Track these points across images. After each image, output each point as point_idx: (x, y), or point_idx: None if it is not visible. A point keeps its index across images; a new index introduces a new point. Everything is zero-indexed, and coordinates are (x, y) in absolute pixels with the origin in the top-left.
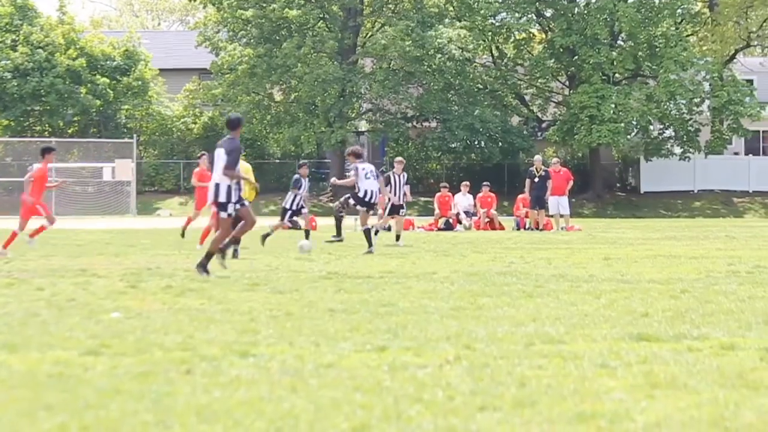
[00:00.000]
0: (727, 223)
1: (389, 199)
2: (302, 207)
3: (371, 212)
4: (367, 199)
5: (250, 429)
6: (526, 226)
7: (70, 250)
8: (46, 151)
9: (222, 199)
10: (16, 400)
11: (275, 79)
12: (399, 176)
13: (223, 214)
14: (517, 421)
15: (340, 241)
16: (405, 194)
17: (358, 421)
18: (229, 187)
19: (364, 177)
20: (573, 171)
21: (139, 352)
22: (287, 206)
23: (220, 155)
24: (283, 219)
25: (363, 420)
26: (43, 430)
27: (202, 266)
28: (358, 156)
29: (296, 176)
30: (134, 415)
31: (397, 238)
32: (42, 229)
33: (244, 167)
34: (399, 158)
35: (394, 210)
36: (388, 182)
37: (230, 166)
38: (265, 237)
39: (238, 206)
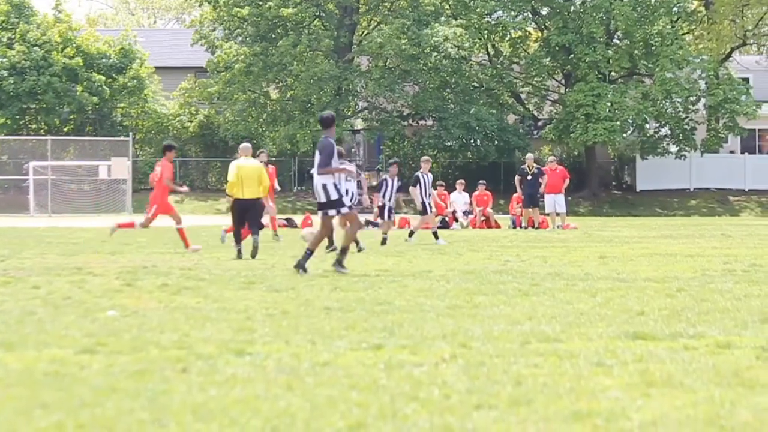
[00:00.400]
0: (723, 222)
1: (422, 199)
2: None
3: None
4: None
5: (246, 427)
6: (522, 225)
7: (65, 248)
8: (167, 149)
9: (334, 196)
10: (13, 399)
11: (271, 77)
12: (426, 175)
13: (344, 209)
14: (513, 420)
15: (334, 249)
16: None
17: (354, 419)
18: (335, 184)
19: (345, 179)
20: (569, 169)
21: (134, 351)
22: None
23: (317, 155)
24: (385, 217)
25: (359, 418)
26: (40, 429)
27: (339, 263)
28: (339, 155)
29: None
30: (130, 413)
31: (410, 234)
32: (130, 225)
33: (253, 167)
34: (426, 157)
35: (424, 208)
36: (417, 182)
37: (323, 165)
38: (384, 241)
39: (348, 206)
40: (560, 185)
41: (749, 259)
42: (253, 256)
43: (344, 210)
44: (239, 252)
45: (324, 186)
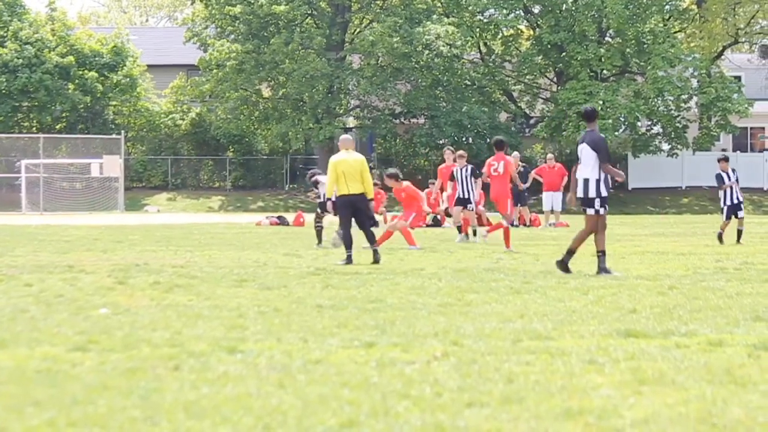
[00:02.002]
0: (714, 220)
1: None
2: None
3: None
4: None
5: (238, 425)
6: (513, 223)
7: (58, 246)
8: (499, 145)
9: (591, 194)
10: (4, 396)
11: (263, 75)
12: (462, 170)
13: (590, 211)
14: (505, 417)
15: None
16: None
17: (345, 417)
18: (598, 182)
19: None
20: (563, 167)
21: (127, 348)
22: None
23: (584, 150)
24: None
25: (351, 416)
26: (31, 426)
27: (603, 269)
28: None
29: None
30: (122, 410)
31: (474, 233)
32: (497, 227)
33: (355, 161)
34: (461, 152)
35: (462, 203)
36: (452, 177)
37: (605, 161)
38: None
39: (606, 205)
40: (559, 183)
41: (741, 257)
42: (374, 250)
43: (590, 211)
44: (349, 257)
45: (586, 181)
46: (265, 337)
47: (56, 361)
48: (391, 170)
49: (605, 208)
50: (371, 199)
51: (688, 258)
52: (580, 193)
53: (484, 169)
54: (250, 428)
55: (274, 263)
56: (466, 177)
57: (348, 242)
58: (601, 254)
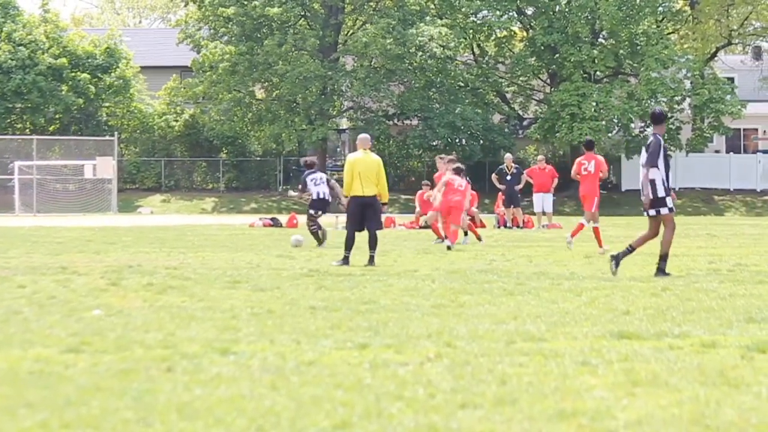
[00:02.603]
0: (707, 221)
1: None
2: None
3: (321, 213)
4: (321, 197)
5: (231, 426)
6: (507, 224)
7: (51, 247)
8: (589, 145)
9: (660, 193)
10: None
11: (256, 76)
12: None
13: (664, 210)
14: (498, 419)
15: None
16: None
17: (339, 418)
18: (663, 180)
19: (314, 185)
20: (555, 169)
21: (119, 350)
22: None
23: (643, 153)
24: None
25: (344, 417)
26: (25, 428)
27: (662, 271)
28: (310, 166)
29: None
30: (115, 412)
31: (465, 234)
32: (580, 227)
33: (372, 161)
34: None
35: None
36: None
37: (649, 164)
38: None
39: (669, 207)
40: (549, 184)
41: (734, 258)
42: (371, 255)
43: (664, 211)
44: (346, 259)
45: (653, 181)
46: (258, 339)
47: (49, 363)
48: (450, 157)
49: (658, 211)
50: (385, 203)
51: (682, 259)
52: (649, 195)
53: (574, 168)
54: (243, 430)
55: (267, 265)
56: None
57: (349, 243)
58: (664, 257)
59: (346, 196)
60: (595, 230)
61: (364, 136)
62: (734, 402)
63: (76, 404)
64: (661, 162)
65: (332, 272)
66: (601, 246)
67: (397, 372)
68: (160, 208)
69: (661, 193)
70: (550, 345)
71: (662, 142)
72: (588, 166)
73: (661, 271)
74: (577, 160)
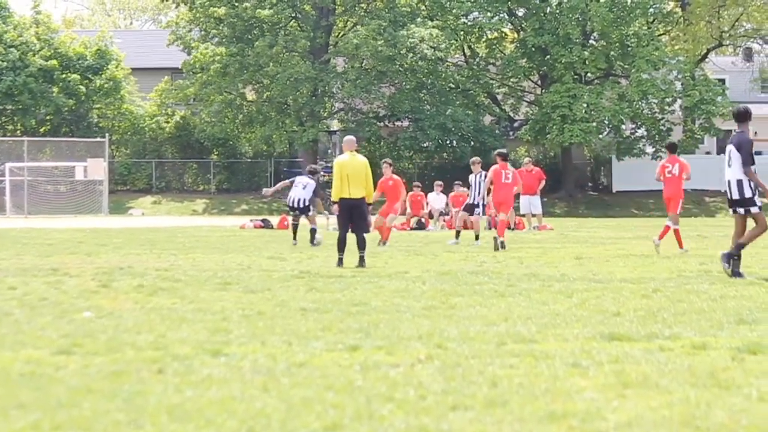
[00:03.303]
0: (698, 223)
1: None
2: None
3: (309, 214)
4: (292, 204)
5: (222, 428)
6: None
7: (42, 249)
8: (673, 147)
9: (747, 194)
10: None
11: (247, 78)
12: (477, 176)
13: (755, 209)
14: (489, 421)
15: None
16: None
17: (330, 420)
18: (749, 180)
19: (294, 187)
20: (545, 170)
21: (110, 352)
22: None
23: (731, 152)
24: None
25: (335, 419)
26: (16, 429)
27: (731, 256)
28: (312, 173)
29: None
30: (106, 414)
31: (476, 237)
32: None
33: (360, 163)
34: (475, 158)
35: (469, 209)
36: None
37: (747, 163)
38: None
39: (759, 206)
40: (535, 186)
41: None
42: (361, 256)
43: (754, 209)
44: (340, 260)
45: (739, 182)
46: (249, 341)
47: (40, 364)
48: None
49: (748, 210)
50: (371, 204)
51: (672, 261)
52: (735, 195)
53: (657, 171)
54: (233, 431)
55: (258, 266)
56: (479, 183)
57: (341, 245)
58: (737, 257)
59: (335, 201)
60: (676, 232)
61: (349, 138)
62: (725, 404)
63: (68, 406)
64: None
65: (323, 274)
66: (681, 247)
67: (388, 374)
68: (151, 209)
69: (749, 192)
70: (540, 346)
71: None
72: (672, 169)
73: (730, 256)
74: (661, 163)
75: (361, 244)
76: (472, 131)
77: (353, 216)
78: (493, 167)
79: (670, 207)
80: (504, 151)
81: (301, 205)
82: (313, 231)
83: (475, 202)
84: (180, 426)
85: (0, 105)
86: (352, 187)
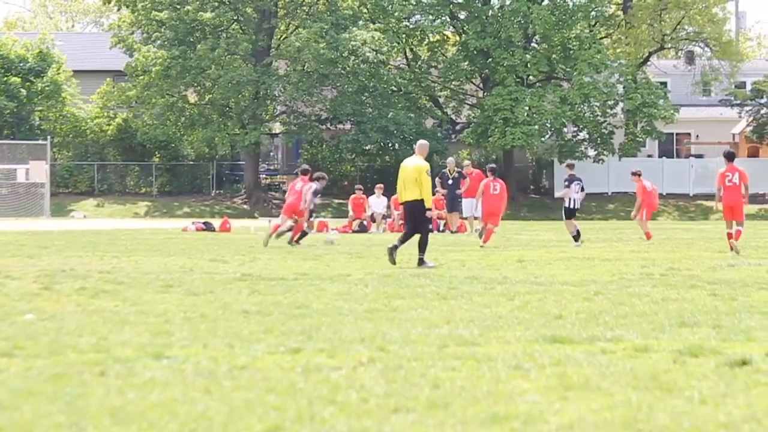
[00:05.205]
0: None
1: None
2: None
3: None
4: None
5: (164, 431)
6: (440, 228)
7: None
8: (731, 156)
9: None
10: None
11: (189, 80)
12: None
13: None
14: (431, 423)
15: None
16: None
17: (271, 422)
18: None
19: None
20: (482, 173)
21: (52, 354)
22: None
23: None
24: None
25: (276, 421)
26: None
27: None
28: (319, 180)
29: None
30: (48, 416)
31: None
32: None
33: (412, 167)
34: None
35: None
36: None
37: None
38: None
39: None
40: (476, 189)
41: (667, 263)
42: (420, 258)
43: None
44: (393, 254)
45: None
46: (191, 343)
47: None
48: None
49: None
50: (429, 208)
51: (614, 264)
52: None
53: (717, 179)
54: None
55: (200, 269)
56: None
57: (402, 241)
58: None
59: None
60: (731, 235)
61: (420, 143)
62: (666, 406)
63: (9, 408)
64: None
65: (265, 277)
66: (732, 249)
67: (330, 376)
68: (93, 212)
69: None
70: (482, 349)
71: None
72: (732, 177)
73: None
74: (720, 171)
75: (421, 246)
76: (414, 134)
77: (411, 218)
78: (484, 180)
79: (734, 215)
80: (493, 165)
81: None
82: (302, 234)
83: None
84: (122, 428)
85: None
86: (405, 190)
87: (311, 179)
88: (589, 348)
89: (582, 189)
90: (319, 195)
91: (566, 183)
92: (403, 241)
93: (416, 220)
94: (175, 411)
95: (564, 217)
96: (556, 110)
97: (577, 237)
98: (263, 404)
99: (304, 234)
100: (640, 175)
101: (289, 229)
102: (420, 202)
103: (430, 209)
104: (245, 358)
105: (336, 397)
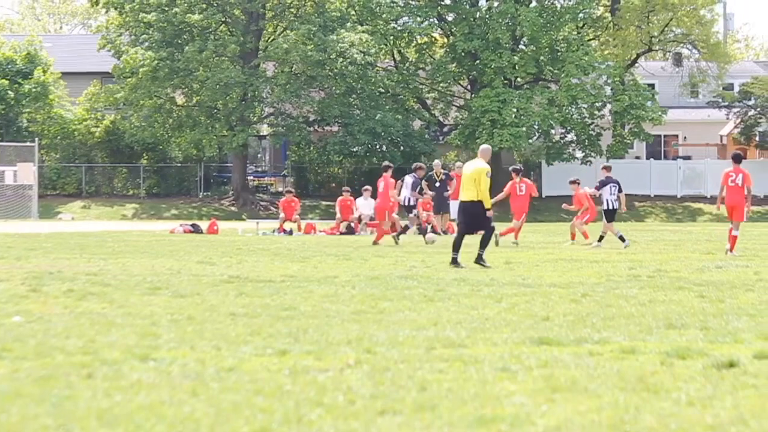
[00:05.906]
0: (628, 227)
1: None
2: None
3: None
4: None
5: None
6: (427, 230)
7: None
8: (738, 158)
9: None
10: None
11: (177, 82)
12: (411, 177)
13: None
14: (418, 425)
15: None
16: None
17: (258, 424)
18: None
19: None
20: None
21: (40, 356)
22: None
23: None
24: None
25: (264, 424)
26: None
27: None
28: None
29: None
30: (35, 418)
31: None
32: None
33: (470, 170)
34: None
35: (408, 209)
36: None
37: None
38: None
39: None
40: None
41: (654, 264)
42: (479, 253)
43: None
44: (454, 259)
45: None
46: (178, 345)
47: None
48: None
49: None
50: (488, 209)
51: (602, 265)
52: None
53: (722, 178)
54: None
55: (187, 271)
56: (415, 184)
57: (456, 245)
58: None
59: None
60: (734, 238)
61: (483, 147)
62: (653, 408)
63: None
64: None
65: (252, 278)
66: (732, 251)
67: (317, 378)
68: (81, 214)
69: None
70: (469, 351)
71: None
72: (736, 178)
73: None
74: (725, 170)
75: (483, 242)
76: (401, 136)
77: (469, 218)
78: (510, 182)
79: (734, 215)
80: (518, 167)
81: (406, 203)
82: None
83: (411, 204)
84: (109, 430)
85: None
86: (464, 191)
87: (392, 176)
88: (577, 350)
89: (620, 190)
90: (418, 187)
91: (597, 184)
92: (457, 248)
93: (473, 220)
94: (162, 413)
95: (605, 220)
96: (543, 112)
97: (623, 238)
98: (250, 406)
99: (405, 229)
100: (579, 184)
101: (402, 227)
102: (477, 204)
103: (489, 209)
104: (232, 360)
105: (323, 399)
